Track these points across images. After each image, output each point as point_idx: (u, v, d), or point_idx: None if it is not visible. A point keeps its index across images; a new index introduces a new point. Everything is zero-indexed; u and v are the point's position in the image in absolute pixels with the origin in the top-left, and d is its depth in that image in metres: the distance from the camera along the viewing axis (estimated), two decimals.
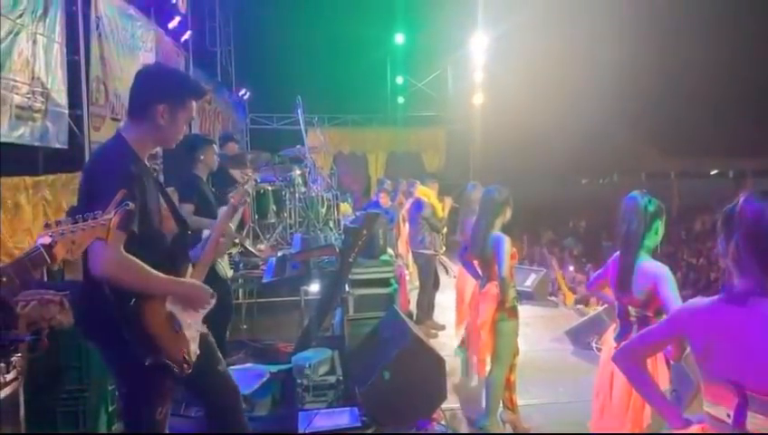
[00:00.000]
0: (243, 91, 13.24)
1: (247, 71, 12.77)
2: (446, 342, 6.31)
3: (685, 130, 20.55)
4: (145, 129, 2.19)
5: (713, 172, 26.81)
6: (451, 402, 4.02)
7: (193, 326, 2.27)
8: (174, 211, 2.40)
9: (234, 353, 4.76)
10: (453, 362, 4.37)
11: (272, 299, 6.31)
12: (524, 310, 5.78)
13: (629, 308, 2.66)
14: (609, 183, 28.28)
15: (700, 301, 1.67)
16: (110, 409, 3.29)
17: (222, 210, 3.89)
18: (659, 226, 2.66)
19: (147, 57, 6.41)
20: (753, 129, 20.22)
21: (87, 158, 4.79)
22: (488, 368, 3.76)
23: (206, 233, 2.91)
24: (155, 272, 2.09)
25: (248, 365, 3.97)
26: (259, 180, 6.46)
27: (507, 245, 3.63)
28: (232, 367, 3.88)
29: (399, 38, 12.22)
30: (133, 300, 2.05)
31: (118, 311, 2.05)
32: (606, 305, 6.80)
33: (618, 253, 2.72)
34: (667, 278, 2.51)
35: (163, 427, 2.25)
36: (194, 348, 2.25)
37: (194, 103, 2.29)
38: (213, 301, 2.36)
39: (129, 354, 2.08)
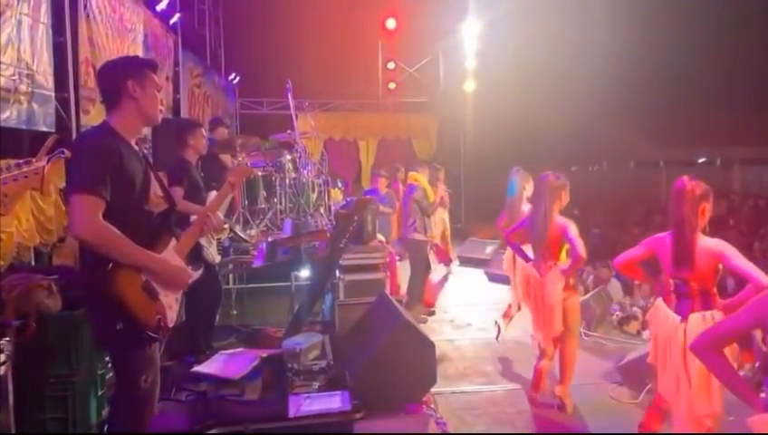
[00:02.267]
0: (232, 76, 13.10)
1: (237, 55, 12.61)
2: (436, 327, 6.37)
3: (673, 118, 20.63)
4: (124, 109, 2.32)
5: (700, 160, 26.96)
6: (440, 386, 4.08)
7: (170, 294, 2.32)
8: (165, 191, 2.48)
9: (223, 338, 4.77)
10: (443, 346, 4.42)
11: (262, 284, 6.32)
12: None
13: (692, 283, 2.89)
14: (598, 171, 28.36)
15: None
16: (100, 393, 3.29)
17: (211, 194, 3.89)
18: (706, 208, 2.92)
19: (136, 39, 6.32)
20: (739, 118, 20.35)
21: None
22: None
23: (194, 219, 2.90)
24: (132, 244, 2.16)
25: (239, 350, 3.97)
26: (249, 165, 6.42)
27: (573, 227, 3.85)
28: (222, 351, 3.90)
29: (391, 23, 12.10)
30: (110, 265, 2.13)
31: (94, 276, 2.15)
32: (595, 292, 6.91)
33: (666, 233, 3.00)
34: (731, 251, 2.79)
35: (150, 397, 2.31)
36: (171, 315, 2.31)
37: (153, 74, 2.41)
38: (195, 276, 2.41)
39: (106, 322, 2.18)
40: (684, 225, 2.89)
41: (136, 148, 2.36)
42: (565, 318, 3.93)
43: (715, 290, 2.90)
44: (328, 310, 4.97)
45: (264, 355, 3.76)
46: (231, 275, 5.96)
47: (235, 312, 5.96)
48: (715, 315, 2.82)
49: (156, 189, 2.39)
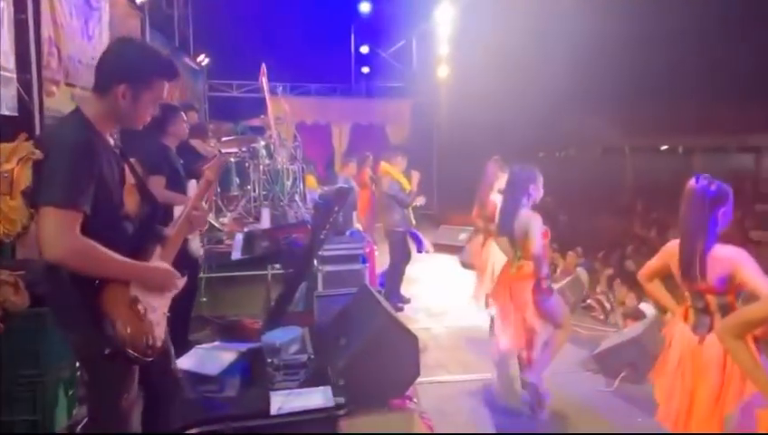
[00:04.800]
0: (201, 57, 12.74)
1: (206, 35, 12.26)
2: (411, 315, 6.36)
3: (639, 105, 21.00)
4: (105, 107, 2.04)
5: (663, 148, 27.54)
6: (422, 376, 4.06)
7: (158, 310, 2.14)
8: (141, 188, 2.25)
9: (198, 331, 4.64)
10: (419, 335, 4.37)
11: (236, 273, 6.17)
12: None
13: (708, 297, 2.56)
14: (565, 157, 28.75)
15: None
16: (70, 393, 3.15)
17: (191, 183, 3.74)
18: (722, 212, 2.55)
19: (101, 19, 6.03)
20: (700, 106, 20.83)
21: (37, 124, 4.50)
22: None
23: (178, 210, 2.73)
24: (116, 256, 1.94)
25: (216, 344, 3.86)
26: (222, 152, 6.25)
27: (537, 223, 3.68)
28: (199, 346, 3.79)
29: (365, 6, 11.93)
30: (96, 282, 1.92)
31: (77, 295, 1.92)
32: (568, 280, 7.00)
33: (678, 241, 2.64)
34: (746, 262, 2.44)
35: (129, 414, 2.14)
36: (159, 333, 2.12)
37: (163, 84, 2.11)
38: (182, 283, 2.23)
39: (89, 340, 1.96)
40: (689, 232, 2.56)
41: (110, 141, 2.13)
42: (551, 318, 3.84)
43: (739, 305, 2.53)
44: (300, 299, 4.88)
45: (243, 350, 3.66)
46: (204, 265, 5.80)
47: (204, 299, 5.79)
48: None
49: (130, 187, 2.18)
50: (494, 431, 3.85)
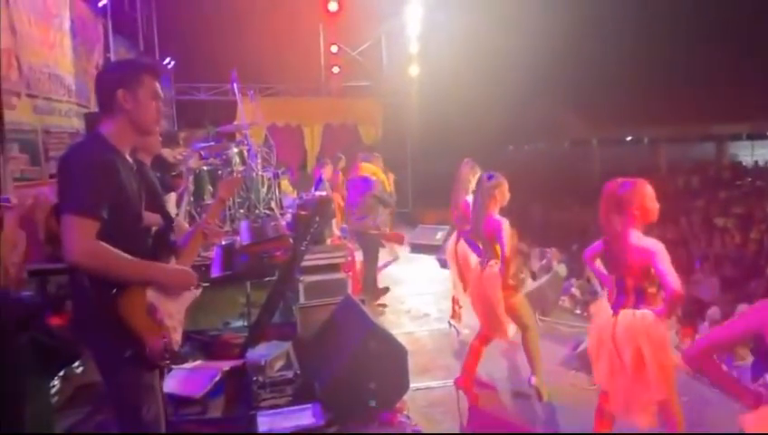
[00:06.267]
0: (167, 60, 12.44)
1: (171, 38, 11.96)
2: (393, 319, 6.32)
3: (605, 98, 21.41)
4: (117, 120, 2.18)
5: (628, 138, 28.07)
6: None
7: (175, 316, 2.22)
8: (160, 206, 2.44)
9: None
10: (402, 340, 4.33)
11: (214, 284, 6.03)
12: None
13: (627, 281, 2.91)
14: (533, 150, 29.10)
15: None
16: (52, 418, 3.02)
17: (170, 196, 3.62)
18: (634, 210, 2.88)
19: (62, 26, 5.81)
20: (663, 97, 21.35)
21: None
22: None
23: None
24: (132, 258, 2.06)
25: (198, 363, 3.75)
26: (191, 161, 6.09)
27: (504, 227, 3.88)
28: (180, 366, 3.67)
29: (333, 5, 11.76)
30: (114, 290, 2.03)
31: (97, 301, 2.04)
32: (547, 278, 7.05)
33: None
34: (659, 254, 2.75)
35: (157, 428, 2.21)
36: (176, 338, 2.22)
37: (152, 80, 2.24)
38: (197, 284, 2.32)
39: (109, 347, 2.08)
40: (605, 227, 2.96)
41: (130, 160, 2.23)
42: (515, 317, 4.01)
43: (653, 289, 2.90)
44: (280, 310, 4.79)
45: (226, 368, 3.56)
46: None
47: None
48: (645, 314, 2.84)
49: (148, 205, 2.32)
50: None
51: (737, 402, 2.04)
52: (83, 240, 1.97)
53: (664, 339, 2.89)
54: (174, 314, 2.21)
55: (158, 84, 2.28)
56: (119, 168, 2.11)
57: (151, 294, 2.11)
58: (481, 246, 4.22)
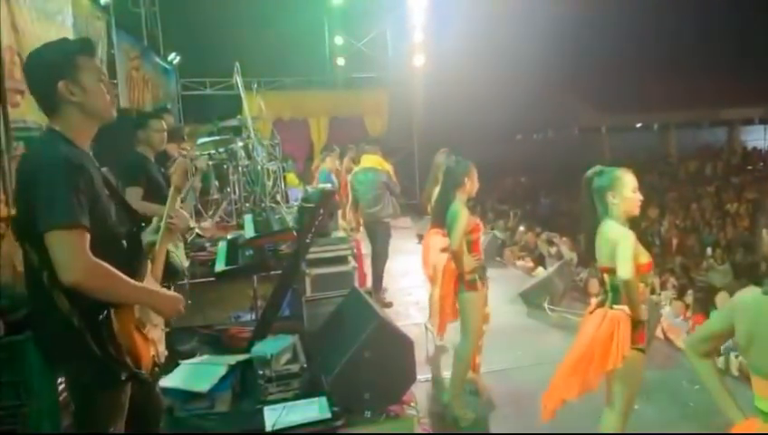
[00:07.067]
0: (172, 56, 12.43)
1: (175, 33, 11.94)
2: (401, 310, 6.30)
3: (614, 85, 21.22)
4: (67, 114, 1.95)
5: (638, 125, 27.75)
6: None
7: (158, 326, 2.18)
8: (122, 202, 2.21)
9: (184, 343, 4.50)
10: (411, 331, 4.32)
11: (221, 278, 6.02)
12: None
13: (603, 275, 2.78)
14: (542, 139, 28.85)
15: (750, 291, 1.67)
16: (53, 421, 3.02)
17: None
18: (610, 196, 2.71)
19: (64, 23, 5.79)
20: (673, 83, 21.12)
21: (2, 136, 4.30)
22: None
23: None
24: (126, 279, 1.89)
25: (204, 358, 3.75)
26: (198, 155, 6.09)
27: (461, 217, 3.68)
28: (186, 361, 3.67)
29: None
30: (104, 312, 1.86)
31: (86, 326, 1.85)
32: (557, 266, 7.00)
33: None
34: (623, 242, 2.58)
35: None
36: (161, 349, 2.17)
37: (89, 60, 2.00)
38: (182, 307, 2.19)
39: (93, 369, 1.90)
40: (582, 217, 2.84)
41: (90, 155, 2.04)
42: (461, 316, 3.90)
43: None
44: (288, 304, 4.77)
45: (232, 362, 3.55)
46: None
47: (189, 302, 5.64)
48: (617, 314, 2.61)
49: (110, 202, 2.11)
50: (490, 428, 3.83)
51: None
52: (80, 257, 1.76)
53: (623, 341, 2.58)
54: (156, 323, 2.17)
55: (96, 61, 2.06)
56: (85, 164, 1.90)
57: (137, 309, 2.05)
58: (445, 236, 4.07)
